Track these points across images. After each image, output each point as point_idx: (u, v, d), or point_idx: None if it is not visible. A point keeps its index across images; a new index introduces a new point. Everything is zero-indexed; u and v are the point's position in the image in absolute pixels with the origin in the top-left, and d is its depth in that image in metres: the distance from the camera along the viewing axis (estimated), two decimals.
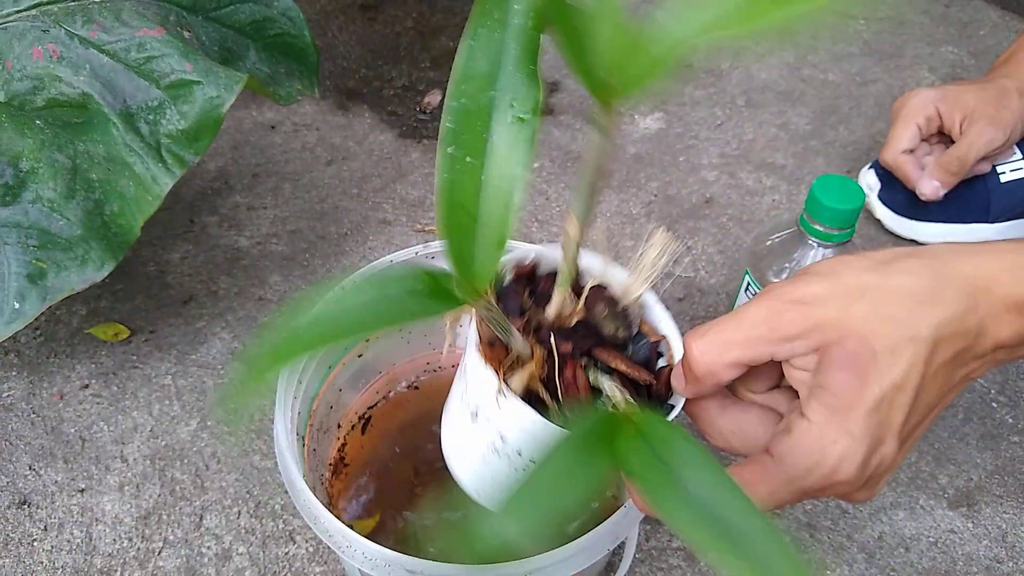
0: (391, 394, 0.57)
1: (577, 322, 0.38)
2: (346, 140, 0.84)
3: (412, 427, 0.57)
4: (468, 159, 0.28)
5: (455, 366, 0.58)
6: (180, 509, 0.57)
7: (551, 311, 0.38)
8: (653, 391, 0.38)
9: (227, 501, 0.58)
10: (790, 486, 0.33)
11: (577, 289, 0.39)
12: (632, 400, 0.36)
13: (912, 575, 0.55)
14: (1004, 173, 0.71)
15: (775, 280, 0.54)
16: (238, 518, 0.57)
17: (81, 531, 0.56)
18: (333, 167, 0.81)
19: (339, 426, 0.54)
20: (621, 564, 0.48)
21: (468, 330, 0.37)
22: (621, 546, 0.50)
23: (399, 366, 0.56)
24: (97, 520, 0.57)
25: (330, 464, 0.53)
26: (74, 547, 0.55)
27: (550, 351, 0.36)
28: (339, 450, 0.54)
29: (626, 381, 0.37)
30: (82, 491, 0.58)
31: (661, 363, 0.40)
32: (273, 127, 0.85)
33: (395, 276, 0.29)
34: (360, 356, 0.53)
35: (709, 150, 0.83)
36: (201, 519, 0.57)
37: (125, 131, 0.49)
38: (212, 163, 0.80)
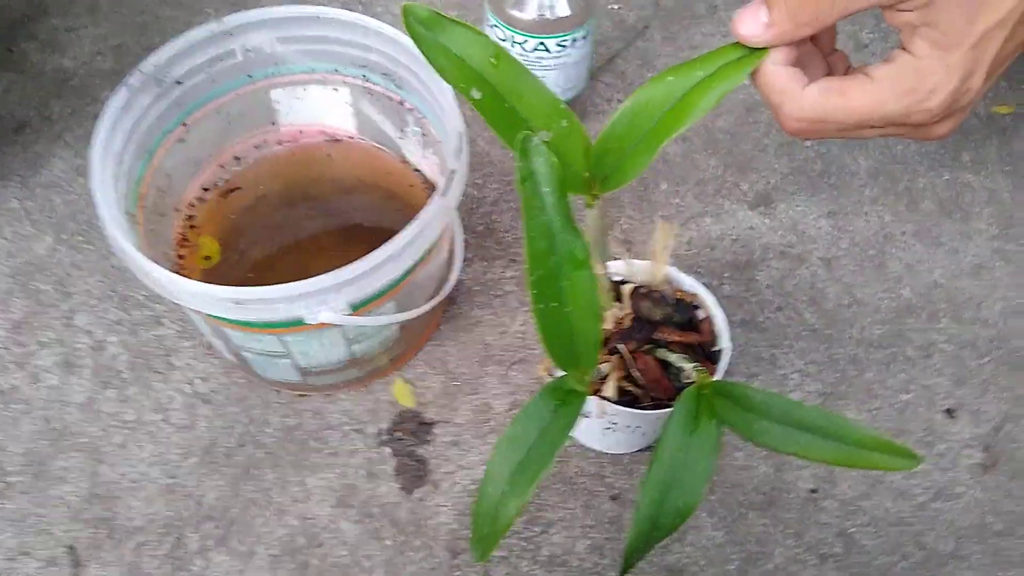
0: (224, 176, 0.60)
1: (632, 320, 0.48)
2: None
3: (255, 205, 0.61)
4: (554, 304, 0.37)
5: (281, 142, 0.61)
6: (49, 315, 0.61)
7: (608, 325, 0.48)
8: (705, 344, 0.49)
9: (93, 301, 0.61)
10: (880, 107, 0.37)
11: (618, 295, 0.49)
12: (697, 364, 0.45)
13: (717, 268, 0.63)
14: None
15: (513, 12, 0.57)
16: (106, 313, 0.61)
17: None
18: None
19: (177, 209, 0.57)
20: (446, 285, 0.54)
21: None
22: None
23: (227, 149, 0.59)
24: None
25: (176, 242, 0.56)
26: None
27: (621, 354, 0.47)
28: (183, 229, 0.57)
29: (685, 346, 0.48)
30: None
31: (700, 314, 0.51)
32: None
33: (541, 408, 0.40)
34: (182, 141, 0.55)
35: None
36: (71, 320, 0.61)
37: None
38: None
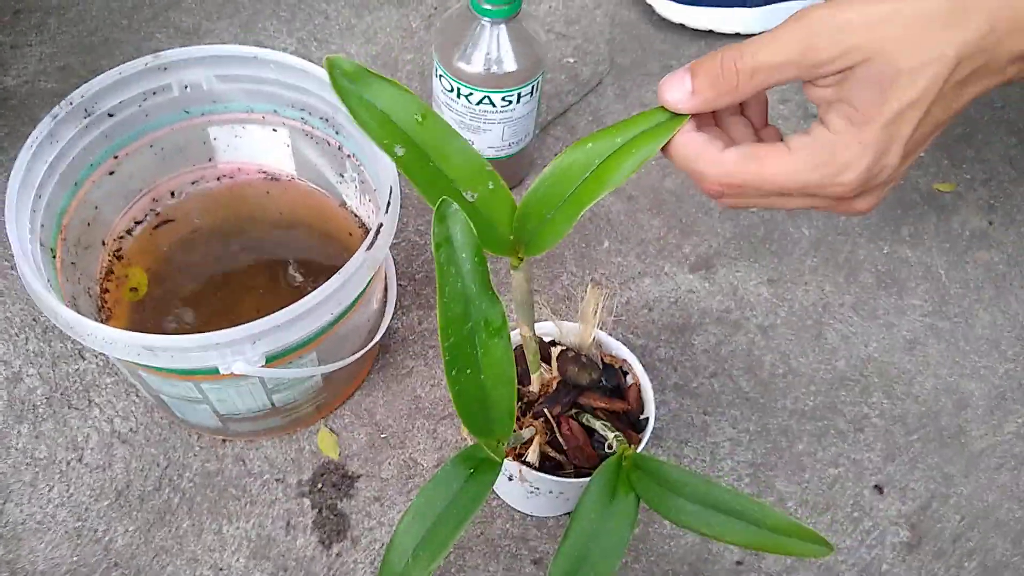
0: (158, 210, 0.58)
1: (558, 384, 0.47)
2: None
3: (188, 239, 0.59)
4: (468, 371, 0.37)
5: (220, 178, 0.60)
6: None
7: (534, 388, 0.48)
8: (632, 412, 0.49)
9: (13, 330, 0.59)
10: (794, 176, 0.38)
11: (547, 356, 0.48)
12: (619, 431, 0.45)
13: (654, 330, 0.62)
14: None
15: (460, 64, 0.57)
16: (26, 343, 0.59)
17: None
18: None
19: (104, 243, 0.55)
20: (375, 336, 0.52)
21: None
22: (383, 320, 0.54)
23: (161, 183, 0.58)
24: None
25: (100, 277, 0.54)
26: None
27: (546, 418, 0.46)
28: (110, 262, 0.55)
29: (610, 413, 0.47)
30: None
31: (629, 380, 0.50)
32: None
33: (453, 476, 0.39)
34: (112, 174, 0.54)
35: None
36: None
37: None
38: None
